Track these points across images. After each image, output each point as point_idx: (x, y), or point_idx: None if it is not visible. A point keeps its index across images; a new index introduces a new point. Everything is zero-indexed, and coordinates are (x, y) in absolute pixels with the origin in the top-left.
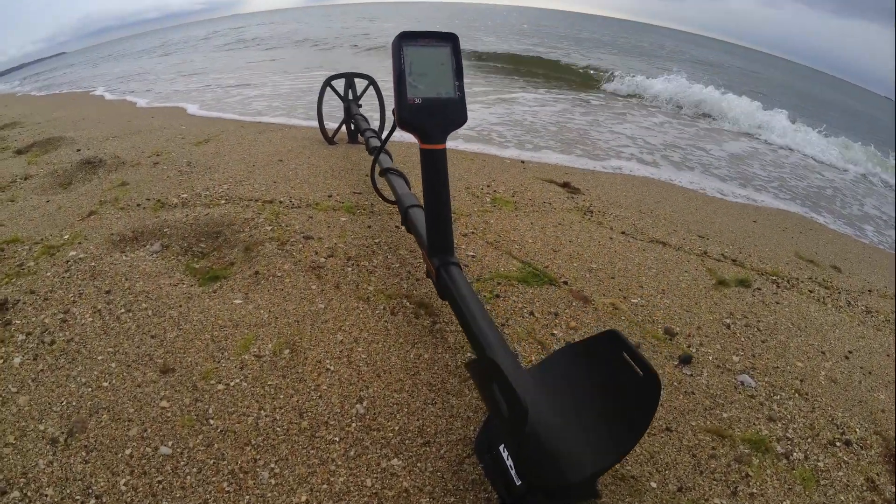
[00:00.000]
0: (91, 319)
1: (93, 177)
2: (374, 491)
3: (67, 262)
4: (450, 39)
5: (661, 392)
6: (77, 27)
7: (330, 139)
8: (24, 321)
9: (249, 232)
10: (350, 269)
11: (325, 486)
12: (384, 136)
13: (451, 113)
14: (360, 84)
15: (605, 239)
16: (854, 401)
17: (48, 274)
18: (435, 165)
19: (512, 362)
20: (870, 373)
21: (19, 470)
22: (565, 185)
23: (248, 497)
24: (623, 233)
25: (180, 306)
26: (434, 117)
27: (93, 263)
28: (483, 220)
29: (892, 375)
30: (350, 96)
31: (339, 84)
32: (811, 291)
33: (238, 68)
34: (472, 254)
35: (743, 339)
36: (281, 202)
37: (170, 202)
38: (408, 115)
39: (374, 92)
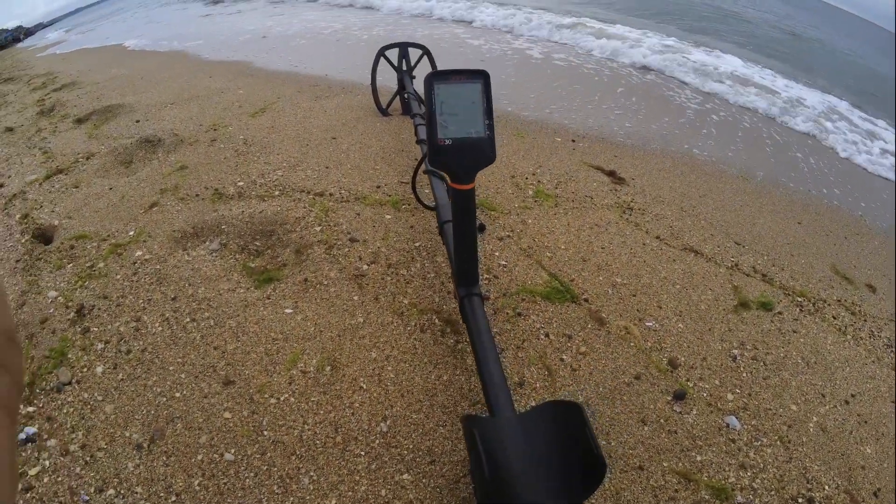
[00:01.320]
0: (161, 328)
1: (152, 157)
2: (386, 500)
3: (134, 263)
4: (481, 76)
5: (607, 474)
6: None
7: (384, 111)
8: (101, 329)
9: (300, 233)
10: (389, 278)
11: (350, 492)
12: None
13: (480, 153)
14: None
15: (637, 245)
16: (837, 453)
17: (118, 276)
18: (464, 204)
19: (506, 401)
20: (865, 422)
21: (112, 471)
22: (611, 173)
23: (292, 499)
24: (658, 237)
25: (238, 315)
26: (463, 158)
27: (158, 266)
28: (521, 220)
29: (887, 427)
30: (404, 66)
31: (394, 54)
32: (835, 318)
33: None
34: (504, 263)
35: (745, 375)
36: (331, 195)
37: (227, 192)
38: (438, 157)
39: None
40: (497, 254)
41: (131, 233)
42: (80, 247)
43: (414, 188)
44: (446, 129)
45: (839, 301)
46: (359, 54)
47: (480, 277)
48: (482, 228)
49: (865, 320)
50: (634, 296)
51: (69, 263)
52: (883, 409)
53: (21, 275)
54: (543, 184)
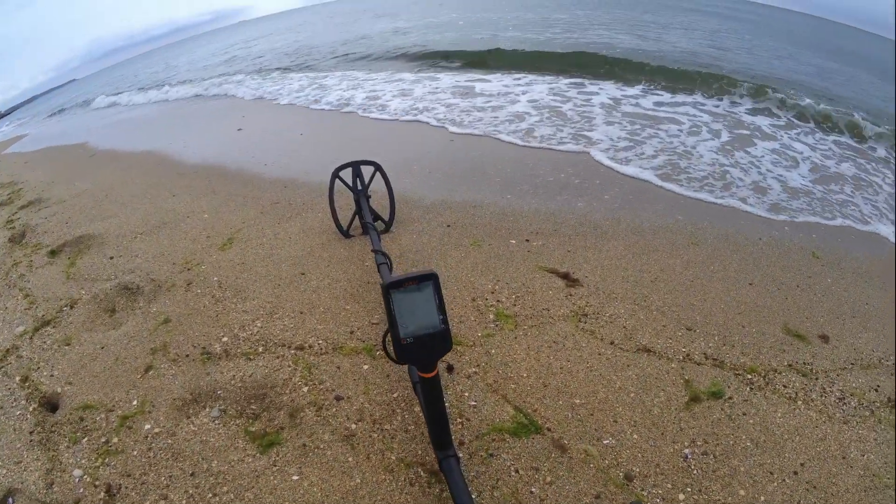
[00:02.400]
0: None
1: (134, 306)
2: None
3: (147, 437)
4: (430, 278)
5: None
6: (86, 52)
7: (345, 232)
8: None
9: (290, 395)
10: (376, 434)
11: None
12: None
13: (438, 344)
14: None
15: (593, 357)
16: None
17: (134, 453)
18: (431, 388)
19: None
20: (815, 487)
21: None
22: (566, 276)
23: None
24: (612, 343)
25: (253, 487)
26: (425, 351)
27: (169, 440)
28: (485, 352)
29: (836, 485)
30: (359, 185)
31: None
32: (785, 386)
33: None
34: (473, 403)
35: (695, 472)
36: (310, 347)
37: (214, 351)
38: (403, 354)
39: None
40: (466, 394)
41: (135, 402)
42: (88, 418)
43: (385, 350)
44: (407, 329)
45: (790, 366)
46: (301, 149)
47: (454, 422)
48: (451, 369)
49: (817, 378)
50: (592, 415)
51: (84, 437)
52: (832, 469)
53: (39, 449)
54: (503, 302)
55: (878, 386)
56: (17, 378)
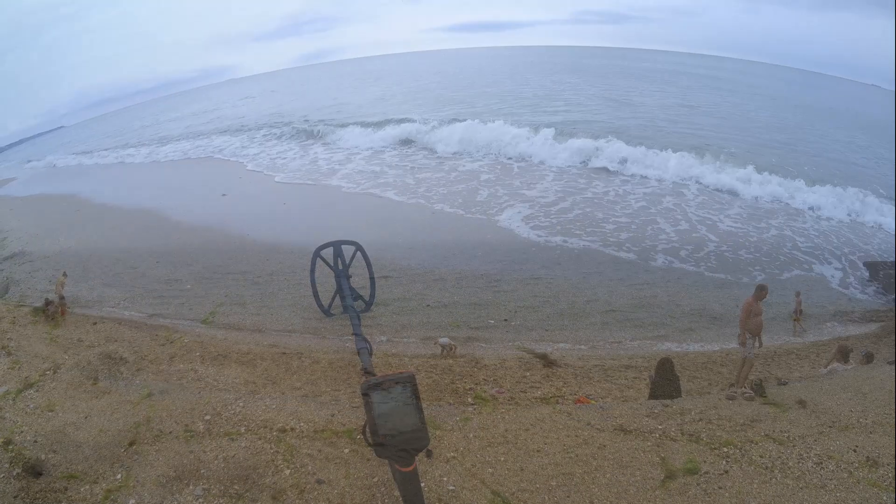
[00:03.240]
0: None
1: (118, 376)
2: None
3: None
4: (409, 380)
5: None
6: (75, 100)
7: (326, 311)
8: None
9: (272, 477)
10: None
11: None
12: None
13: (415, 439)
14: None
15: (570, 438)
16: None
17: None
18: (408, 482)
19: None
20: None
21: None
22: (543, 357)
23: None
24: (589, 424)
25: None
26: (403, 447)
27: None
28: (464, 437)
29: None
30: (340, 265)
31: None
32: (762, 456)
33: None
34: (452, 487)
35: None
36: (292, 429)
37: (196, 428)
38: (383, 451)
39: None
40: (445, 479)
41: (119, 476)
42: (73, 488)
43: (366, 438)
44: (386, 427)
45: (767, 435)
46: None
47: None
48: (430, 454)
49: (794, 445)
50: (569, 496)
51: None
52: None
53: None
54: (481, 385)
55: (857, 446)
56: (0, 440)
